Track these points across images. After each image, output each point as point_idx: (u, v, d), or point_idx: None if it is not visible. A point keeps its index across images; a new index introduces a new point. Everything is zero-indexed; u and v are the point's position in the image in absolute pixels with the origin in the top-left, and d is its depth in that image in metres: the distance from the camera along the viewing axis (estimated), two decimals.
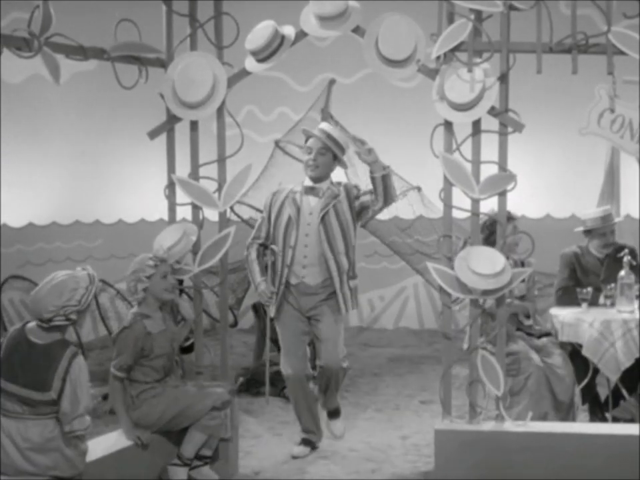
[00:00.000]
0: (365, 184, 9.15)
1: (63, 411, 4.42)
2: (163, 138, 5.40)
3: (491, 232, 5.78)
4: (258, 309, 7.89)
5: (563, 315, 6.11)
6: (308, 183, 5.74)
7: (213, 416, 5.14)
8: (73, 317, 4.47)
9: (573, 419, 6.03)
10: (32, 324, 4.53)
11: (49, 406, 4.43)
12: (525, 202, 8.70)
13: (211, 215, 5.50)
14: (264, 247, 5.78)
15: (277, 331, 5.90)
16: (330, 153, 5.71)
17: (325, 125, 5.90)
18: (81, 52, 4.74)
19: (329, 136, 5.72)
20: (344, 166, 5.92)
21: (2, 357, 4.49)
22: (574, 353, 6.11)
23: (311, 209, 5.68)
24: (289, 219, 5.67)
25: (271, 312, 5.82)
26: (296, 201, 5.70)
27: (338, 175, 9.20)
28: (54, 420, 4.47)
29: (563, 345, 6.15)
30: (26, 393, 4.42)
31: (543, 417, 5.82)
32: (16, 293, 9.00)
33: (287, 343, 5.87)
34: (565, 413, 5.97)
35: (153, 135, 5.38)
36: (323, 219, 5.64)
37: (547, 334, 6.24)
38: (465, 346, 5.64)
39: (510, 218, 5.76)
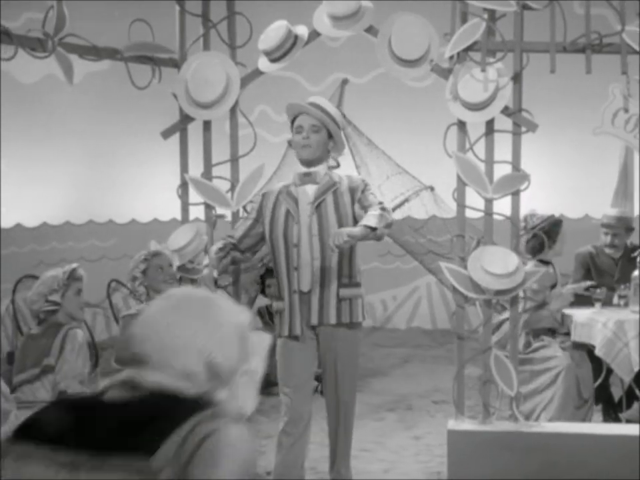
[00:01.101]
0: (378, 184, 9.15)
1: (58, 370, 4.56)
2: (175, 138, 5.41)
3: (546, 235, 5.86)
4: (263, 314, 7.90)
5: (576, 315, 6.09)
6: (301, 169, 4.90)
7: None
8: (56, 298, 4.71)
9: (589, 419, 6.01)
10: (33, 327, 4.90)
11: (48, 375, 4.60)
12: (538, 202, 8.66)
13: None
14: (233, 247, 4.94)
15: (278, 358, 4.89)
16: (324, 130, 4.86)
17: (315, 98, 5.01)
18: (94, 52, 4.76)
19: (322, 110, 4.87)
20: (340, 148, 5.01)
21: (15, 359, 4.78)
22: (587, 353, 6.09)
23: (309, 198, 4.82)
24: (287, 213, 4.82)
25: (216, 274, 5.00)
26: (291, 193, 4.86)
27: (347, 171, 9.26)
28: None
29: (576, 345, 6.13)
30: (31, 372, 4.62)
31: (570, 417, 5.80)
32: (29, 292, 9.02)
33: (289, 370, 4.86)
34: (585, 412, 5.95)
35: (166, 134, 5.39)
36: (317, 208, 4.79)
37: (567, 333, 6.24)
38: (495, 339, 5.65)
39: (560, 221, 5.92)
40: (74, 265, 4.84)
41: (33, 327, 4.82)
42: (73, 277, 4.75)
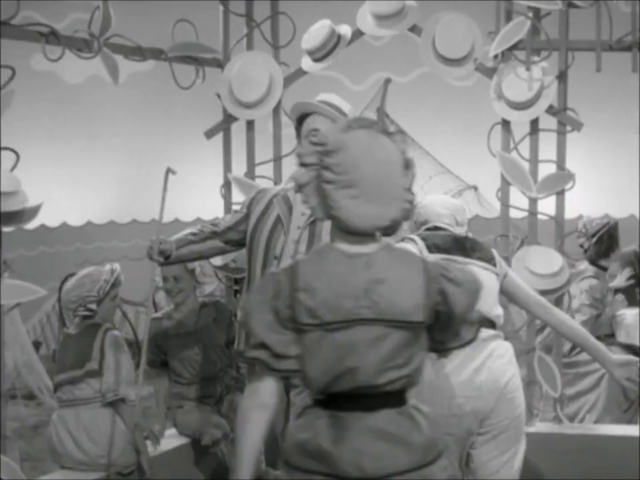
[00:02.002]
0: (420, 184, 9.11)
1: (106, 380, 4.58)
2: (219, 137, 5.43)
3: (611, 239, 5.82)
4: None
5: (622, 315, 6.03)
6: None
7: None
8: (93, 307, 4.64)
9: (635, 422, 5.94)
10: (69, 325, 4.83)
11: (92, 379, 4.58)
12: (582, 201, 8.59)
13: None
14: (213, 234, 4.43)
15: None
16: None
17: (327, 96, 4.41)
18: (139, 52, 4.79)
19: (339, 110, 4.25)
20: None
21: (55, 360, 4.82)
22: (633, 354, 6.02)
23: (304, 209, 4.11)
24: (277, 219, 4.21)
25: None
26: (287, 198, 4.25)
27: None
28: (106, 406, 4.60)
29: (621, 347, 6.07)
30: (72, 374, 4.62)
31: (616, 420, 5.74)
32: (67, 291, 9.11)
33: None
34: (631, 414, 5.89)
35: (209, 134, 5.41)
36: (312, 223, 4.13)
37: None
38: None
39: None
40: (116, 270, 4.75)
41: (71, 326, 4.82)
42: (114, 284, 4.72)
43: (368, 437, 2.49)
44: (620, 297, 6.11)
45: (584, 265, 5.88)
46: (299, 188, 2.69)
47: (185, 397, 5.14)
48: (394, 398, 2.55)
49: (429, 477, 2.56)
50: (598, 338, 5.90)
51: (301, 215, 4.14)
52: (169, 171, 4.30)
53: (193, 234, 4.37)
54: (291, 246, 4.11)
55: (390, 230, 2.57)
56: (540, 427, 5.21)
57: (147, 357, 5.13)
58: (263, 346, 2.54)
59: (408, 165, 2.60)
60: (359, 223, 2.53)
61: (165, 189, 4.38)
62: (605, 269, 6.04)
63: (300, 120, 4.17)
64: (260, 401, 2.56)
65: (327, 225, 3.91)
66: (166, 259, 4.30)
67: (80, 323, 4.73)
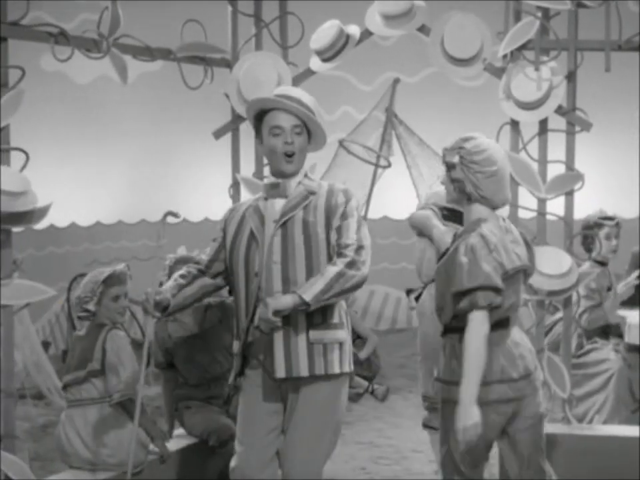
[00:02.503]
0: (429, 184, 9.10)
1: (109, 379, 4.58)
2: (227, 138, 5.43)
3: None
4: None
5: (630, 316, 6.02)
6: (270, 179, 3.91)
7: None
8: (90, 307, 4.62)
9: None
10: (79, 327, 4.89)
11: (95, 379, 4.59)
12: (591, 202, 8.58)
13: None
14: (200, 273, 4.01)
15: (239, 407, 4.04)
16: (305, 131, 3.88)
17: (287, 89, 4.07)
18: (148, 53, 4.79)
19: (302, 104, 3.88)
20: (320, 144, 4.04)
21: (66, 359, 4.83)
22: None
23: (275, 215, 3.82)
24: (251, 235, 3.83)
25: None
26: (259, 208, 3.87)
27: (399, 175, 9.23)
28: (114, 406, 4.62)
29: (629, 348, 6.05)
30: (76, 375, 4.63)
31: (624, 421, 5.73)
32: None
33: (246, 424, 3.90)
34: None
35: (218, 134, 5.41)
36: (282, 227, 3.79)
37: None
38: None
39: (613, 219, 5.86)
40: (117, 270, 4.72)
41: (81, 328, 4.84)
42: (108, 283, 4.65)
43: None
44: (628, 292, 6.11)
45: (588, 263, 5.90)
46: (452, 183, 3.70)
47: (192, 397, 5.15)
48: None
49: None
50: (592, 332, 5.92)
51: (272, 223, 3.80)
52: (169, 214, 4.25)
53: (182, 276, 4.00)
54: (266, 259, 3.77)
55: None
56: (548, 427, 5.19)
57: (153, 359, 5.15)
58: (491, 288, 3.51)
59: None
60: (499, 201, 3.70)
61: (163, 227, 4.33)
62: (603, 264, 6.01)
63: (258, 117, 3.85)
64: (486, 332, 3.51)
65: (297, 227, 3.76)
66: (163, 311, 3.94)
67: (88, 325, 4.75)
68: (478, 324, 3.52)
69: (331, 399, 3.80)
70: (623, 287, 6.22)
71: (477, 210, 3.68)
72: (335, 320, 3.80)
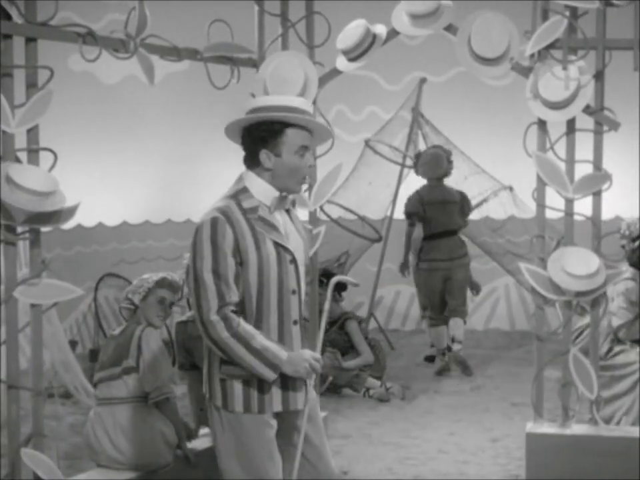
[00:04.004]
0: (455, 184, 9.05)
1: (144, 378, 4.64)
2: None
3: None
4: None
5: None
6: (274, 192, 3.58)
7: None
8: (135, 300, 4.77)
9: None
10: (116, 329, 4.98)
11: (130, 375, 4.65)
12: (619, 202, 8.53)
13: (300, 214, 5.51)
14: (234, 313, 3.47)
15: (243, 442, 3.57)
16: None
17: (308, 104, 3.69)
18: (175, 53, 4.81)
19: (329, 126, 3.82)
20: None
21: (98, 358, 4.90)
22: None
23: (286, 231, 3.63)
24: (278, 249, 3.53)
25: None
26: (269, 221, 3.56)
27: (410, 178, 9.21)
28: (141, 404, 4.66)
29: None
30: (111, 371, 4.70)
31: None
32: (111, 290, 9.17)
33: (260, 461, 3.54)
34: None
35: None
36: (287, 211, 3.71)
37: None
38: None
39: None
40: (170, 275, 4.88)
41: (114, 327, 4.90)
42: (158, 284, 4.78)
43: None
44: None
45: (625, 267, 5.82)
46: None
47: None
48: None
49: None
50: (635, 342, 5.86)
51: (289, 236, 3.60)
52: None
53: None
54: (302, 276, 3.62)
55: None
56: (576, 428, 5.17)
57: (177, 360, 5.18)
58: None
59: None
60: None
61: None
62: None
63: (280, 127, 3.53)
64: None
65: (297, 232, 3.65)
66: None
67: (125, 324, 4.85)
68: None
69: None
70: None
71: None
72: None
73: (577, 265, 4.97)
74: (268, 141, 3.55)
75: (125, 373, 4.66)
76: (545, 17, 4.99)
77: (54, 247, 8.53)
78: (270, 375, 3.45)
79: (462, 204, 8.43)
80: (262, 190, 3.57)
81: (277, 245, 3.51)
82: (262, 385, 3.49)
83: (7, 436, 4.17)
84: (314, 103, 5.32)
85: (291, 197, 3.66)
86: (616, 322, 5.72)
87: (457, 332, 8.31)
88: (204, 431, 5.19)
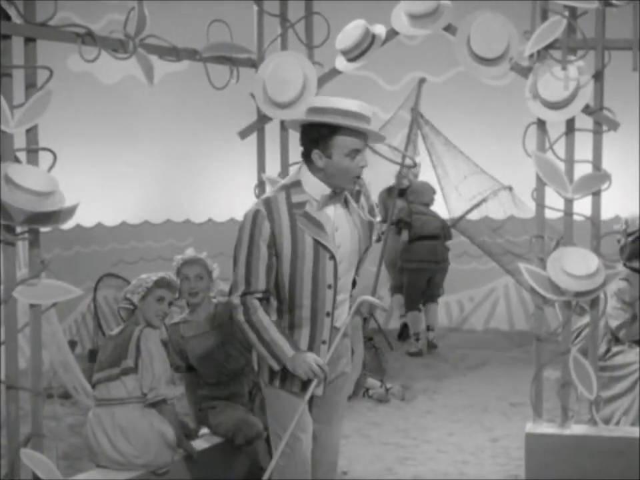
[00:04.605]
0: (455, 184, 9.07)
1: (144, 377, 4.65)
2: (253, 138, 5.44)
3: None
4: None
5: None
6: (325, 189, 3.78)
7: None
8: (134, 300, 4.77)
9: None
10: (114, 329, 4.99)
11: (128, 376, 4.66)
12: (618, 202, 8.53)
13: None
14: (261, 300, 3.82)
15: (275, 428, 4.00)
16: None
17: (366, 107, 3.88)
18: (174, 53, 4.80)
19: (379, 134, 4.06)
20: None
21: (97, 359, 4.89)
22: None
23: (335, 224, 3.83)
24: (317, 244, 3.75)
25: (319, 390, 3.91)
26: (313, 217, 3.77)
27: (425, 175, 9.21)
28: (140, 405, 4.67)
29: None
30: (109, 372, 4.70)
31: None
32: (110, 290, 9.17)
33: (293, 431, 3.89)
34: None
35: (243, 134, 5.42)
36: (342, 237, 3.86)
37: None
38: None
39: None
40: (165, 273, 4.88)
41: (113, 327, 4.90)
42: (157, 284, 4.79)
43: None
44: None
45: (620, 266, 5.81)
46: None
47: (214, 397, 5.17)
48: None
49: None
50: (635, 343, 5.85)
51: (335, 232, 3.80)
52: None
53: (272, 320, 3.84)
54: (340, 269, 3.81)
55: None
56: (575, 429, 5.17)
57: (172, 363, 5.18)
58: None
59: None
60: None
61: None
62: (637, 270, 5.96)
63: (332, 129, 3.71)
64: None
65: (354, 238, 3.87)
66: None
67: (123, 324, 4.85)
68: None
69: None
70: None
71: None
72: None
73: (576, 265, 4.96)
74: (319, 143, 3.73)
75: (123, 373, 4.66)
76: (544, 17, 4.99)
77: (53, 247, 8.52)
78: (274, 365, 3.81)
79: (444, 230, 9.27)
80: (314, 186, 3.78)
81: (316, 242, 3.73)
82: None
83: (6, 436, 4.17)
84: None
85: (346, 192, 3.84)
86: (613, 322, 5.71)
87: (433, 320, 9.36)
88: (204, 430, 5.20)
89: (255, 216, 3.75)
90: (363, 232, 3.91)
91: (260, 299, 3.78)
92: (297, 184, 3.81)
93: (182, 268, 5.16)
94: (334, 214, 3.81)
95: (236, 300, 3.78)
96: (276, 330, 3.77)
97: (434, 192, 9.30)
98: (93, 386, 4.83)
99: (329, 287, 3.78)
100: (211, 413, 5.15)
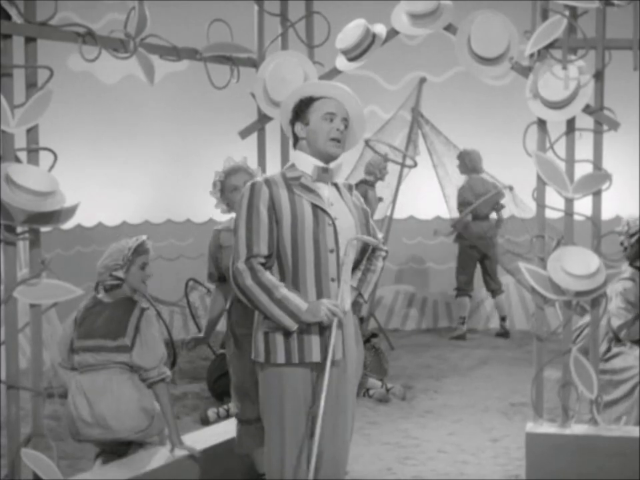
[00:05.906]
0: (455, 183, 9.08)
1: (138, 363, 4.67)
2: (253, 137, 5.44)
3: None
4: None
5: None
6: (316, 162, 3.93)
7: None
8: (120, 274, 4.79)
9: None
10: (101, 292, 4.96)
11: (121, 353, 4.68)
12: (619, 202, 8.54)
13: None
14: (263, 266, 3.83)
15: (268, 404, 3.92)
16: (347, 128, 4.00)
17: (343, 85, 4.03)
18: (174, 52, 4.80)
19: (358, 105, 4.03)
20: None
21: (78, 322, 4.85)
22: None
23: (330, 200, 3.94)
24: (315, 210, 3.84)
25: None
26: (310, 187, 3.89)
27: (425, 174, 9.21)
28: (122, 371, 4.70)
29: None
30: (102, 342, 4.71)
31: None
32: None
33: (288, 423, 3.86)
34: None
35: (244, 134, 5.42)
36: (338, 210, 3.97)
37: None
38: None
39: None
40: (140, 239, 4.88)
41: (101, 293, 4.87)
42: (138, 252, 4.82)
43: None
44: None
45: (624, 266, 5.81)
46: None
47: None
48: None
49: None
50: (635, 343, 5.86)
51: (330, 206, 3.89)
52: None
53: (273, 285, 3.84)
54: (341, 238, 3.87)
55: None
56: (575, 428, 5.17)
57: (206, 270, 5.11)
58: None
59: None
60: None
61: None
62: None
63: (306, 102, 3.95)
64: None
65: (349, 214, 3.96)
66: None
67: (111, 292, 4.85)
68: None
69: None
70: None
71: None
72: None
73: (576, 264, 4.96)
74: (299, 116, 3.97)
75: (117, 350, 4.66)
76: (545, 17, 4.99)
77: (54, 247, 8.54)
78: (290, 323, 3.76)
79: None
80: (304, 161, 3.94)
81: (315, 207, 3.84)
82: (302, 337, 3.79)
83: (6, 436, 4.17)
84: None
85: (332, 164, 3.95)
86: (615, 322, 5.72)
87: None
88: (204, 431, 5.19)
89: (252, 186, 3.86)
90: (359, 216, 4.02)
91: (263, 265, 3.79)
92: (290, 166, 4.00)
93: (227, 180, 5.03)
94: (327, 193, 3.94)
95: (241, 265, 3.77)
96: (285, 288, 3.77)
97: None
98: (75, 351, 4.78)
99: (331, 251, 3.83)
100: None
